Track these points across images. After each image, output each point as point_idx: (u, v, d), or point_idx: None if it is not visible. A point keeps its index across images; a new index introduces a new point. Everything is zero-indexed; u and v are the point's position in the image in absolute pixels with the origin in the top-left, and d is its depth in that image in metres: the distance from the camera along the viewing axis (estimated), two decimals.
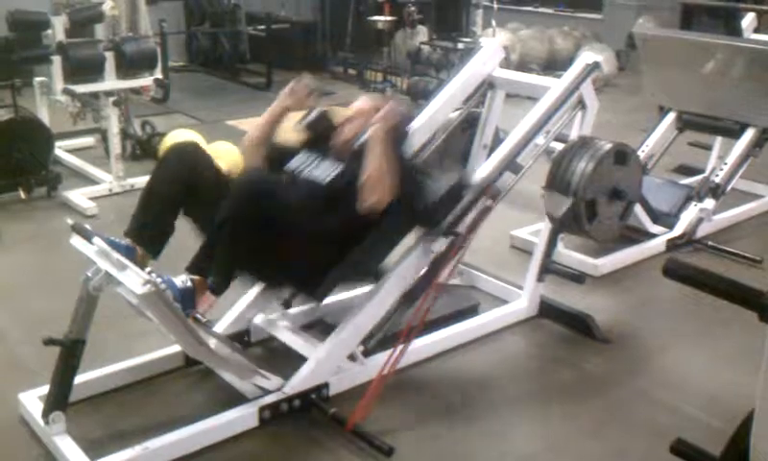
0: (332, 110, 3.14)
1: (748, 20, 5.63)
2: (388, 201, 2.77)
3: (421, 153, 3.45)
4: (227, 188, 2.73)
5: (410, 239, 3.04)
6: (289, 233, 2.67)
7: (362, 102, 3.10)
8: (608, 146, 3.24)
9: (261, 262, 2.75)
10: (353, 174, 2.81)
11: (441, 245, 2.98)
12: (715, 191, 4.56)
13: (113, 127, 5.12)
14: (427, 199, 2.99)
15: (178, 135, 5.55)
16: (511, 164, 3.15)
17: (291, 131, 3.14)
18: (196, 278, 2.56)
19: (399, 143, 2.96)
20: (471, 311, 3.54)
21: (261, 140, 3.10)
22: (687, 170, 5.56)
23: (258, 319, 3.23)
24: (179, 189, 2.77)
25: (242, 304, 3.17)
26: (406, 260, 2.99)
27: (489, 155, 3.46)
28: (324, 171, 2.96)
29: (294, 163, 3.05)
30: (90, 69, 5.15)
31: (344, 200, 2.80)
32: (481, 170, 3.19)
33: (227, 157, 5.21)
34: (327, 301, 3.45)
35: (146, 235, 2.70)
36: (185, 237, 2.83)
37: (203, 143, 5.45)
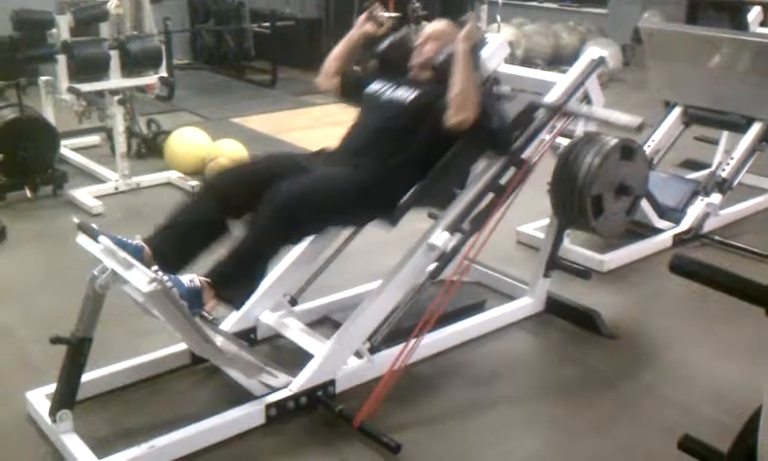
0: (406, 36, 3.23)
1: (754, 14, 5.61)
2: (474, 118, 2.84)
3: None
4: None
5: (416, 237, 3.03)
6: (360, 182, 2.79)
7: (437, 25, 3.19)
8: (613, 141, 3.23)
9: (331, 219, 2.88)
10: (436, 92, 2.91)
11: (444, 239, 2.96)
12: (722, 186, 4.55)
13: (119, 125, 5.13)
14: (502, 119, 3.08)
15: (183, 134, 5.57)
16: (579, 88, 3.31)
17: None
18: (204, 278, 2.55)
19: (478, 63, 3.08)
20: (478, 307, 3.54)
21: (339, 69, 3.27)
22: (694, 165, 5.54)
23: (265, 316, 3.23)
24: (207, 228, 2.73)
25: (248, 302, 3.16)
26: (411, 259, 2.98)
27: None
28: (404, 92, 3.05)
29: (373, 87, 3.16)
30: (95, 68, 5.15)
31: (425, 119, 2.91)
32: (552, 93, 3.27)
33: (232, 154, 5.24)
34: (333, 298, 3.47)
35: (162, 257, 2.59)
36: None
37: (208, 141, 5.48)
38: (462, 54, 2.90)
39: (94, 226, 2.57)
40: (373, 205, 2.89)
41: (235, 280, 2.62)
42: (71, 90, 5.12)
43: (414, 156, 2.91)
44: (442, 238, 2.95)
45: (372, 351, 2.96)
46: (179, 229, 2.71)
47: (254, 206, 2.66)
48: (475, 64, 2.98)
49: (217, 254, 2.67)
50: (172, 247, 2.66)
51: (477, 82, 2.94)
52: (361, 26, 3.26)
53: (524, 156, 3.12)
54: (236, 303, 2.73)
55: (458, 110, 2.83)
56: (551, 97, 3.26)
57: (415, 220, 3.08)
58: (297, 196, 2.65)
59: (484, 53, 3.48)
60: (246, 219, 2.72)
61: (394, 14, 8.82)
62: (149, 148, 5.83)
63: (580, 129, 3.48)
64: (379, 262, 3.44)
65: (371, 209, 2.91)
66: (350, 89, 3.28)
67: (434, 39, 3.13)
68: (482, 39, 3.32)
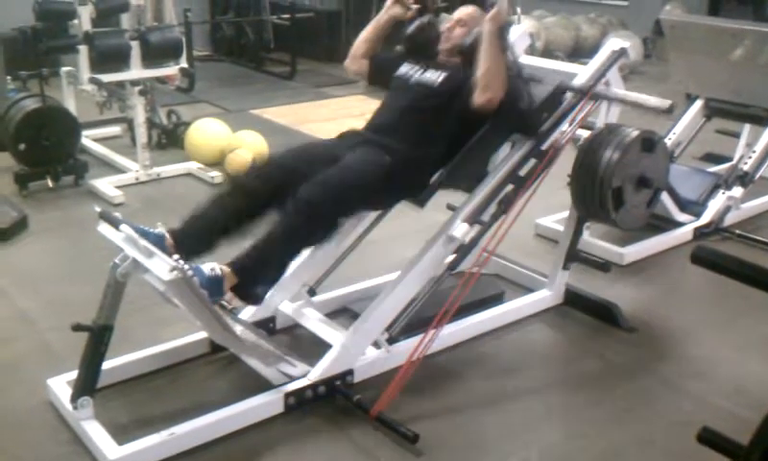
0: (434, 19, 3.22)
1: None
2: (501, 97, 2.86)
3: None
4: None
5: (435, 228, 3.03)
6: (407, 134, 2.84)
7: (466, 9, 3.18)
8: (634, 134, 3.21)
9: (360, 207, 2.93)
10: (464, 75, 2.93)
11: (462, 231, 2.96)
12: (743, 179, 4.51)
13: (139, 116, 5.15)
14: (530, 100, 3.09)
15: (203, 125, 5.59)
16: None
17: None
18: (225, 267, 2.57)
19: (506, 44, 3.05)
20: (497, 299, 3.54)
21: (367, 52, 3.31)
22: (715, 158, 5.50)
23: (284, 306, 3.24)
24: (234, 222, 2.76)
25: (268, 292, 3.18)
26: (430, 250, 2.98)
27: (513, 143, 3.44)
28: (433, 74, 3.06)
29: (402, 70, 3.18)
30: (116, 59, 5.18)
31: (454, 101, 2.92)
32: (580, 76, 3.26)
33: (252, 145, 5.26)
34: (352, 288, 3.48)
35: (185, 246, 2.63)
36: None
37: (228, 133, 5.50)
38: (489, 34, 2.90)
39: (116, 214, 2.60)
40: (402, 186, 2.92)
41: (257, 276, 2.65)
42: (92, 81, 5.15)
43: (443, 137, 2.93)
44: (461, 230, 2.95)
45: (391, 341, 2.97)
46: (204, 221, 2.74)
47: (281, 202, 2.68)
48: (503, 45, 2.97)
49: (240, 245, 2.69)
50: (196, 238, 2.69)
51: (505, 62, 2.93)
52: (389, 9, 3.27)
53: (550, 140, 3.12)
54: (256, 299, 2.74)
55: (485, 89, 2.84)
56: (579, 80, 3.25)
57: (434, 211, 3.08)
58: (323, 194, 2.66)
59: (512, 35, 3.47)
60: (271, 215, 2.74)
61: (413, 6, 8.78)
62: (169, 139, 5.86)
63: (601, 120, 3.46)
64: (398, 253, 3.44)
65: (399, 191, 2.94)
66: (379, 72, 3.30)
67: (462, 23, 3.14)
68: (510, 21, 3.30)
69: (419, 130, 2.93)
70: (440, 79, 3.03)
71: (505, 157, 3.14)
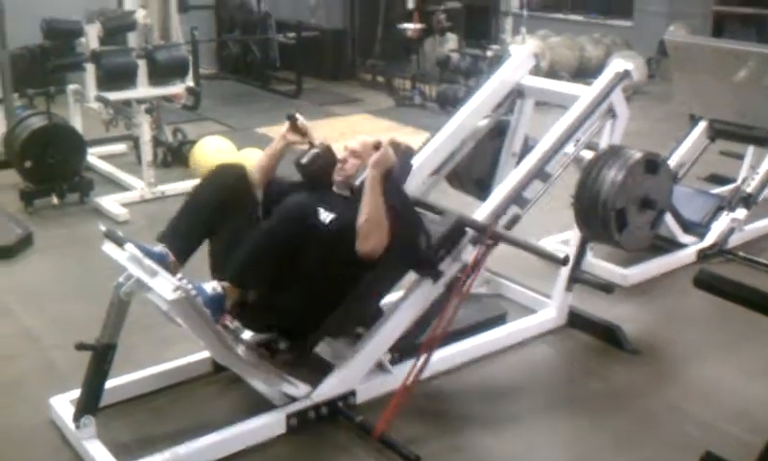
0: (329, 149, 3.08)
1: None
2: (384, 246, 2.74)
3: (448, 163, 3.49)
4: (257, 221, 2.82)
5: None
6: (295, 278, 2.71)
7: (360, 139, 3.04)
8: (638, 155, 3.22)
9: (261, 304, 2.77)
10: (351, 217, 2.78)
11: (468, 252, 2.96)
12: (747, 201, 4.50)
13: (145, 134, 5.18)
14: (425, 243, 2.94)
15: (208, 143, 5.61)
16: (515, 199, 3.10)
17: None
18: (226, 284, 2.58)
19: (397, 186, 2.94)
20: (499, 320, 3.53)
21: (262, 179, 3.06)
22: (719, 179, 5.50)
23: None
24: (215, 207, 2.80)
25: None
26: None
27: (518, 163, 3.45)
28: (323, 214, 2.89)
29: None
30: (123, 77, 5.22)
31: (340, 244, 2.75)
32: (481, 211, 3.10)
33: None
34: None
35: (176, 243, 2.71)
36: None
37: (233, 151, 5.52)
38: (371, 180, 2.77)
39: (120, 233, 2.61)
40: (286, 315, 2.80)
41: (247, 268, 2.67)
42: (99, 99, 5.18)
43: (331, 278, 2.76)
44: (467, 252, 2.95)
45: (394, 362, 2.97)
46: (186, 218, 2.81)
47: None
48: (390, 190, 2.82)
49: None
50: (185, 234, 2.76)
51: (390, 208, 2.77)
52: (283, 137, 3.10)
53: (449, 276, 2.96)
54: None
55: (366, 238, 2.72)
56: (481, 214, 3.09)
57: None
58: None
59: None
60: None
61: (418, 26, 8.79)
62: (174, 157, 5.88)
63: (604, 141, 3.47)
64: None
65: (283, 320, 2.83)
66: (272, 203, 3.00)
67: (357, 156, 2.97)
68: (406, 157, 3.17)
69: (303, 272, 2.73)
70: (327, 221, 2.85)
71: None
